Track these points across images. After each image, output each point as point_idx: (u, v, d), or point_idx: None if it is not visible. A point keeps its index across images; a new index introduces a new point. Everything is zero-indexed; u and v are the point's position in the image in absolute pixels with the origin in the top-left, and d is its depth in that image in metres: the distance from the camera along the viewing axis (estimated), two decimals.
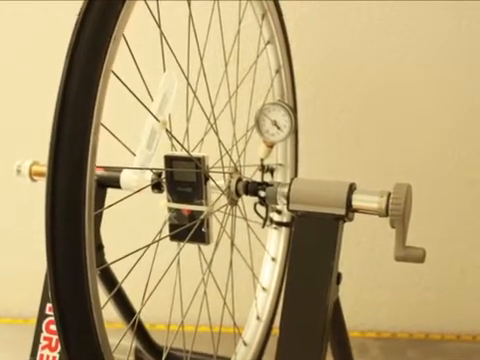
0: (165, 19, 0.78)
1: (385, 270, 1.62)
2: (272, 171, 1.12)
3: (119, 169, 0.97)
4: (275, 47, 1.18)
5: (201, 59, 0.92)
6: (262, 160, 1.09)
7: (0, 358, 1.50)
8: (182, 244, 0.89)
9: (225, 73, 1.03)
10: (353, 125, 1.56)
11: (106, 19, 0.63)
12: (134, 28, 0.70)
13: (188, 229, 0.88)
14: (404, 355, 1.60)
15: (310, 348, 0.80)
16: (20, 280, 1.66)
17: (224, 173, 0.93)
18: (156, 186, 0.94)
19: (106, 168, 0.98)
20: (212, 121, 0.94)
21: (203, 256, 0.97)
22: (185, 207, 0.88)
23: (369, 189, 0.82)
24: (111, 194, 0.97)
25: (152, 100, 0.80)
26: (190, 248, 0.92)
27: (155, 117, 0.79)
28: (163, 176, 0.91)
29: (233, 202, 0.95)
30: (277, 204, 0.90)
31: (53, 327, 0.98)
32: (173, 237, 0.90)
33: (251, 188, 0.92)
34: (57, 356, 0.97)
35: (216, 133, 0.95)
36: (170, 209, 0.89)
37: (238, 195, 0.94)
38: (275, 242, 1.29)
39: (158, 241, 0.85)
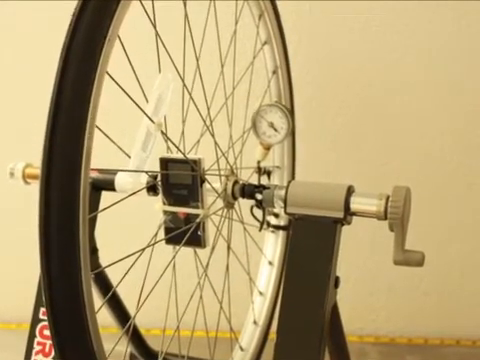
0: (160, 19, 0.78)
1: (384, 274, 1.62)
2: (269, 173, 1.13)
3: (114, 171, 0.97)
4: (272, 48, 1.17)
5: (197, 60, 0.92)
6: (259, 162, 1.09)
7: None
8: (178, 248, 0.89)
9: (221, 74, 1.02)
10: (351, 126, 1.55)
11: (101, 19, 0.62)
12: (129, 28, 0.70)
13: (184, 232, 0.87)
14: None
15: (308, 353, 0.80)
16: (13, 284, 1.65)
17: (220, 175, 0.93)
18: (151, 189, 0.94)
19: (101, 170, 0.97)
20: (208, 123, 0.94)
21: (199, 260, 0.97)
22: (181, 210, 0.88)
23: (367, 192, 0.82)
24: (106, 197, 0.96)
25: (147, 102, 0.80)
26: (186, 252, 0.91)
27: (150, 119, 0.79)
28: (158, 179, 0.91)
29: (229, 205, 0.95)
30: (274, 207, 0.90)
31: (47, 332, 0.98)
32: (168, 240, 0.89)
33: (248, 191, 0.92)
34: None
35: (212, 135, 0.95)
36: (165, 212, 0.89)
37: (235, 198, 0.94)
38: (272, 246, 1.29)
39: (153, 244, 0.84)
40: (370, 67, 1.52)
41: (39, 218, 0.60)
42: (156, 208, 0.89)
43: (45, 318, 0.93)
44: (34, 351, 0.97)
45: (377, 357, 1.60)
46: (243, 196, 0.92)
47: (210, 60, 0.97)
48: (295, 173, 1.29)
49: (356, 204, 0.81)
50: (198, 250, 0.94)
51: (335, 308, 0.87)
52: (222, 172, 0.93)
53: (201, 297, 0.98)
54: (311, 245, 0.82)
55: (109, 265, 0.74)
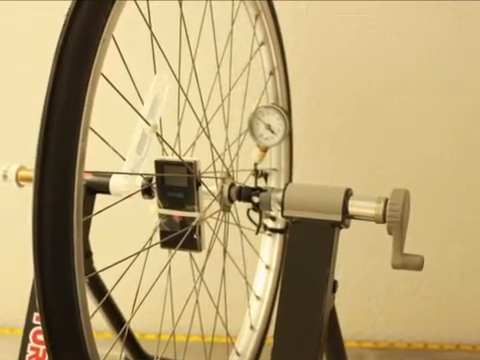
0: (156, 19, 0.77)
1: (382, 278, 1.62)
2: (266, 176, 1.13)
3: (108, 174, 0.96)
4: (269, 48, 1.17)
5: (193, 61, 0.92)
6: (256, 165, 1.09)
7: None
8: (173, 251, 0.89)
9: (217, 75, 1.02)
10: (350, 128, 1.55)
11: (95, 20, 0.62)
12: (124, 29, 0.70)
13: (179, 236, 0.87)
14: None
15: (305, 359, 0.79)
16: (6, 288, 1.64)
17: (216, 178, 0.93)
18: (146, 192, 0.94)
19: (95, 173, 0.97)
20: (204, 125, 0.94)
21: (195, 264, 0.96)
22: (176, 213, 0.87)
23: (366, 195, 0.82)
24: (100, 200, 0.95)
25: (143, 103, 0.79)
26: (181, 255, 0.91)
27: (145, 121, 0.79)
28: (154, 181, 0.90)
29: (226, 208, 0.94)
30: (271, 210, 0.90)
31: (40, 337, 0.98)
32: (164, 244, 0.89)
33: (244, 194, 0.91)
34: None
35: (208, 137, 0.95)
36: (161, 215, 0.89)
37: (231, 201, 0.93)
38: (269, 249, 1.29)
39: (148, 248, 0.84)
40: (369, 67, 1.52)
41: (33, 221, 0.59)
42: (151, 211, 0.89)
43: (39, 323, 0.93)
44: (27, 356, 0.98)
45: None
46: (239, 199, 0.92)
47: (206, 61, 0.97)
48: (292, 175, 1.29)
49: (354, 207, 0.81)
50: (194, 254, 0.93)
51: (333, 312, 0.86)
52: (218, 175, 0.93)
53: (197, 301, 0.98)
54: (309, 249, 0.82)
55: (104, 269, 0.74)
